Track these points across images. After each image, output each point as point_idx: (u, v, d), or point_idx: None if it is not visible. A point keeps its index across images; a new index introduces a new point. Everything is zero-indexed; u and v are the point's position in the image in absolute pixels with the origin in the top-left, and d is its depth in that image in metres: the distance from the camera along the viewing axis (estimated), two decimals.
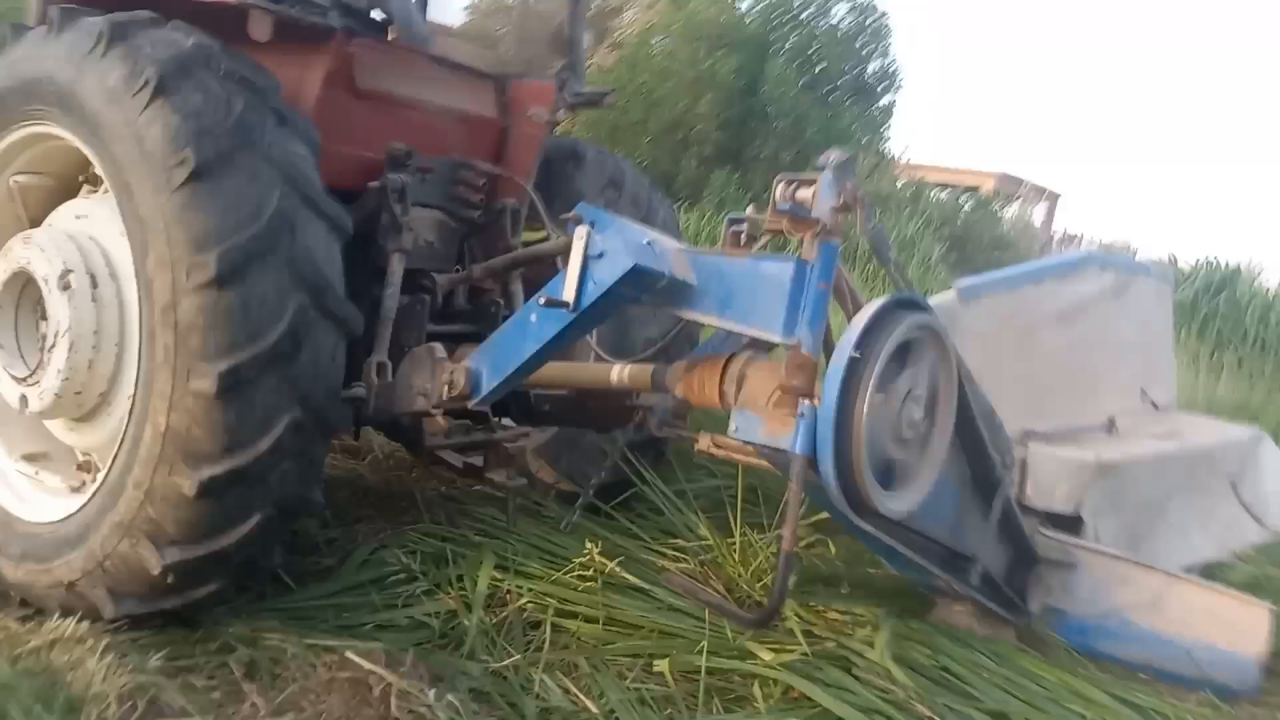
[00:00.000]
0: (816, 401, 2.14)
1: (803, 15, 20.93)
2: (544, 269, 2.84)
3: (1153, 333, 4.39)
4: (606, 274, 2.34)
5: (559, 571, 3.01)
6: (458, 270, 3.30)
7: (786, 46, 20.62)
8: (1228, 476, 4.03)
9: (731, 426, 2.30)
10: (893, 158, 22.14)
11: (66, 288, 2.49)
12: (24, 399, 2.63)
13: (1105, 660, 2.98)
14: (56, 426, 2.74)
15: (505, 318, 3.04)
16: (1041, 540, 3.06)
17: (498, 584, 2.94)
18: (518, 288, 3.30)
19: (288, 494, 2.40)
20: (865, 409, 2.09)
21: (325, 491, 2.66)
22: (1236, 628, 2.88)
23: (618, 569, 2.99)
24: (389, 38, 3.24)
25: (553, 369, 2.81)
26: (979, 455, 2.68)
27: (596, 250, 2.36)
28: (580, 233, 2.38)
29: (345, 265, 2.53)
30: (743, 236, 2.47)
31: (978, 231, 20.58)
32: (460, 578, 2.96)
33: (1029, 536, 2.96)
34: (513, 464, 3.12)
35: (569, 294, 2.39)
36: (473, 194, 3.28)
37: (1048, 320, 3.80)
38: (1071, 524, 3.22)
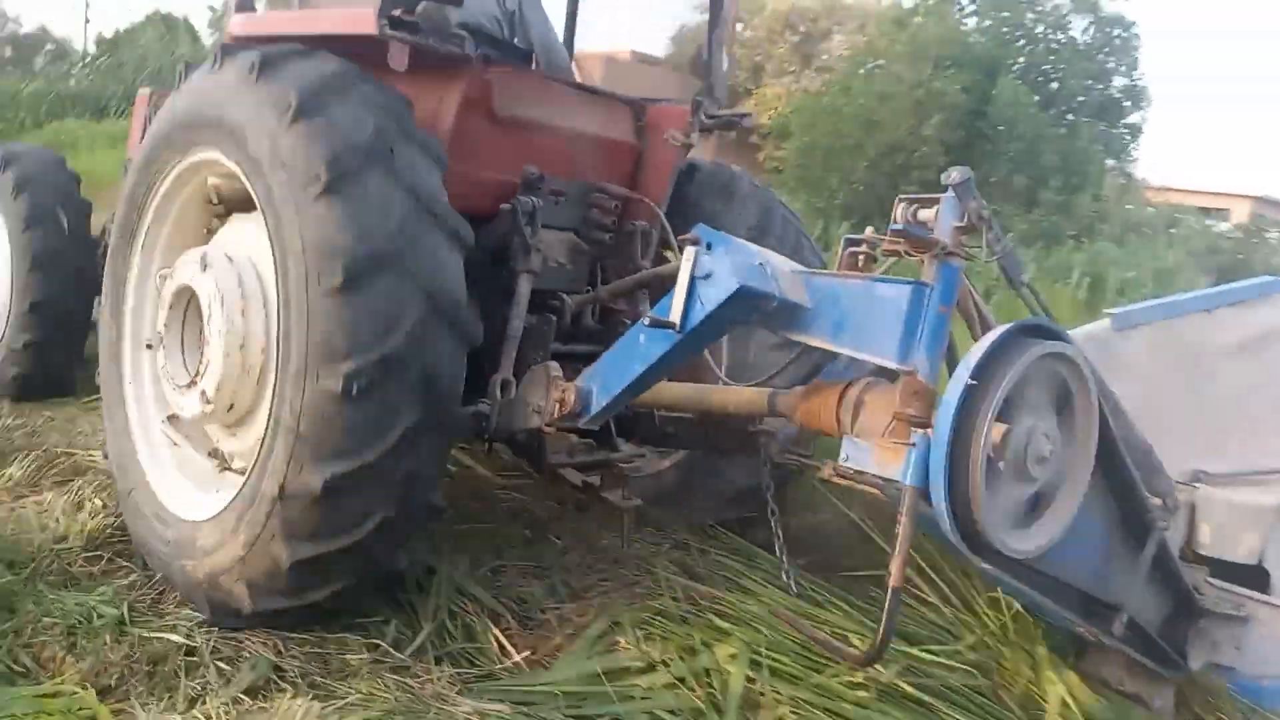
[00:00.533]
0: (931, 431, 2.01)
1: (1037, 30, 19.73)
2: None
3: None
4: (713, 295, 2.32)
5: (821, 674, 2.66)
6: (588, 291, 3.36)
7: (1019, 64, 19.53)
8: None
9: (842, 455, 2.21)
10: (1141, 181, 20.39)
11: (222, 303, 2.73)
12: (182, 405, 2.91)
13: None
14: (214, 431, 2.98)
15: None
16: (1210, 592, 2.83)
17: (750, 683, 2.59)
18: (646, 308, 3.24)
19: (407, 496, 2.51)
20: (982, 440, 1.96)
21: (560, 553, 2.97)
22: None
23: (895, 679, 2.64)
24: (532, 66, 3.39)
25: (673, 390, 2.81)
26: (1128, 495, 2.47)
27: (704, 271, 2.33)
28: (689, 253, 2.35)
29: (477, 285, 2.66)
30: (860, 258, 2.37)
31: (1249, 261, 18.44)
32: (708, 671, 2.63)
33: (1191, 586, 2.75)
34: (625, 485, 3.11)
35: (675, 315, 2.37)
36: (604, 216, 3.39)
37: (1226, 352, 3.51)
38: (1252, 575, 2.94)
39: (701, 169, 3.86)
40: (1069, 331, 2.49)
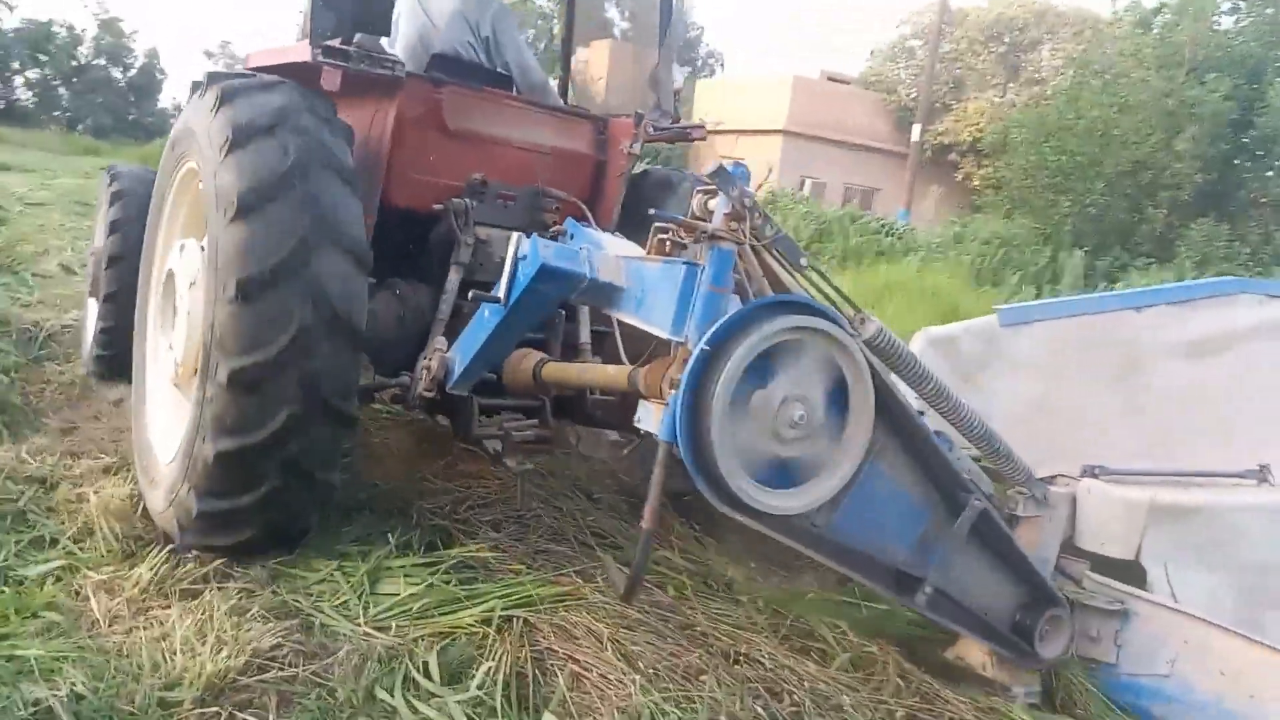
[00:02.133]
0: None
1: None
2: None
3: None
4: (526, 273, 2.67)
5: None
6: None
7: None
8: None
9: (635, 417, 2.43)
10: None
11: (189, 286, 3.20)
12: (167, 371, 3.40)
13: None
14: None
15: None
16: (1090, 585, 2.86)
17: None
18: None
19: (297, 472, 2.86)
20: (716, 403, 2.12)
21: None
22: None
23: None
24: (511, 88, 4.00)
25: (557, 371, 3.09)
26: (939, 476, 2.52)
27: (523, 253, 2.68)
28: (514, 239, 2.73)
29: (422, 274, 3.42)
30: (668, 243, 2.52)
31: None
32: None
33: (1044, 577, 2.73)
34: (520, 452, 3.33)
35: (501, 291, 2.79)
36: (548, 218, 3.66)
37: (1168, 351, 3.56)
38: (1130, 571, 2.94)
39: (652, 174, 4.34)
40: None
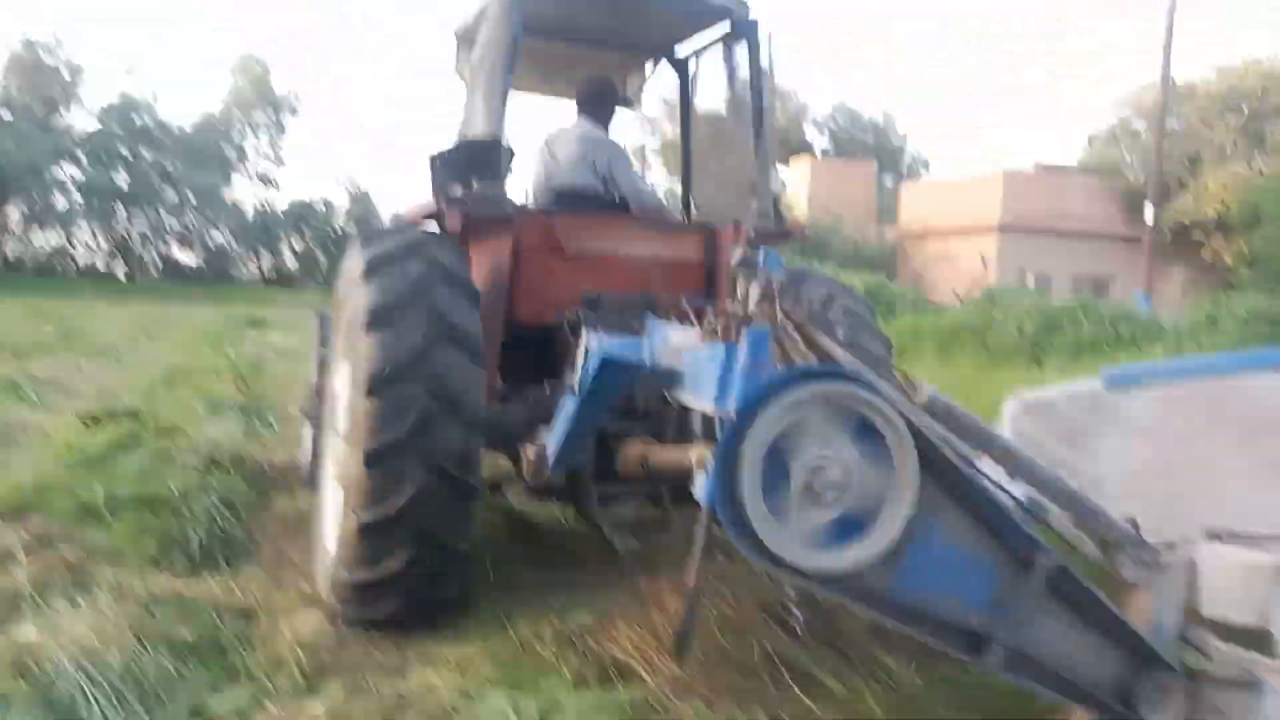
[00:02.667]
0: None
1: None
2: None
3: None
4: (591, 366, 3.11)
5: None
6: None
7: None
8: None
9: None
10: None
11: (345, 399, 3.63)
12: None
13: None
14: None
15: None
16: (1217, 655, 2.63)
17: None
18: None
19: (431, 541, 3.26)
20: (746, 469, 2.17)
21: None
22: None
23: None
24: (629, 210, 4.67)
25: (663, 452, 3.32)
26: (1008, 535, 2.39)
27: (590, 347, 3.15)
28: (583, 335, 3.25)
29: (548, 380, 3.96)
30: (719, 327, 2.64)
31: None
32: None
33: (1142, 638, 2.52)
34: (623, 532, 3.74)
35: (574, 382, 3.23)
36: None
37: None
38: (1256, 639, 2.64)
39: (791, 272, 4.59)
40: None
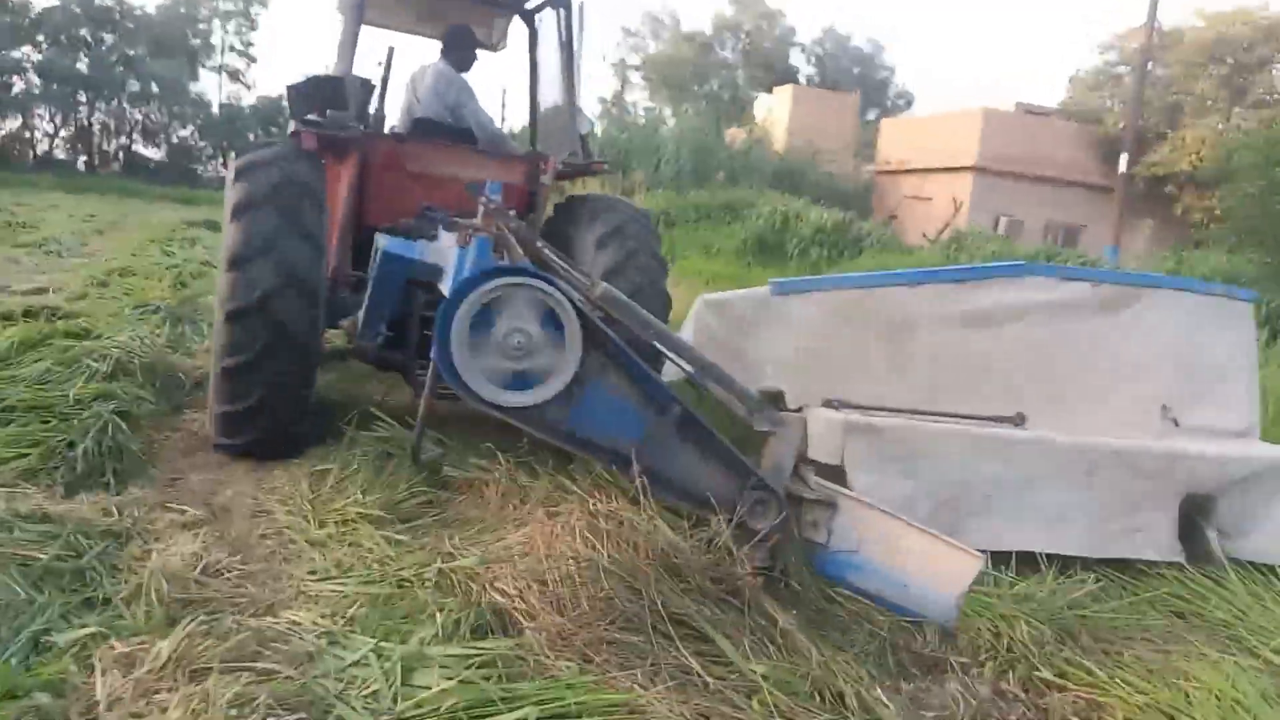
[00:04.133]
0: None
1: None
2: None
3: (1198, 354, 4.58)
4: (378, 258, 4.34)
5: None
6: None
7: None
8: (1177, 490, 4.03)
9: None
10: None
11: None
12: None
13: (849, 590, 3.36)
14: None
15: None
16: (814, 484, 3.43)
17: None
18: None
19: (278, 387, 4.20)
20: (454, 335, 3.00)
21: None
22: (948, 570, 3.18)
23: None
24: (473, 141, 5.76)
25: None
26: (653, 392, 3.24)
27: (377, 245, 4.39)
28: (376, 237, 4.58)
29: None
30: (468, 233, 3.51)
31: None
32: None
33: (749, 466, 3.31)
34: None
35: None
36: None
37: (936, 320, 4.37)
38: (837, 474, 3.66)
39: (585, 197, 5.84)
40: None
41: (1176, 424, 4.46)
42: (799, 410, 3.74)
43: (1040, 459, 3.87)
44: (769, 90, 37.78)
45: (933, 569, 3.19)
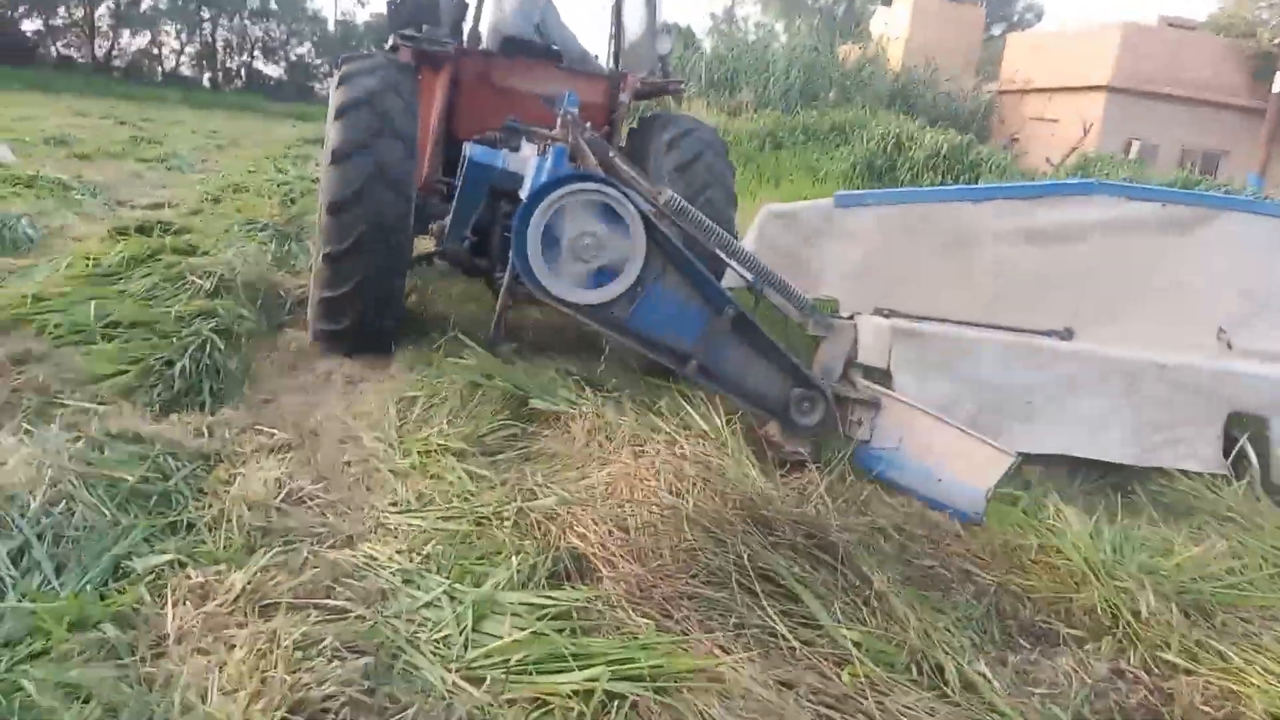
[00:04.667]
0: None
1: None
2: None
3: (1265, 279, 4.52)
4: (465, 166, 4.44)
5: None
6: None
7: None
8: (1223, 407, 4.03)
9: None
10: None
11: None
12: None
13: (889, 484, 3.55)
14: None
15: None
16: (860, 385, 3.69)
17: None
18: None
19: (372, 270, 4.50)
20: (530, 235, 3.18)
21: None
22: (980, 465, 3.37)
23: None
24: (557, 59, 5.85)
25: None
26: (711, 294, 3.44)
27: (465, 154, 4.45)
28: (465, 146, 4.50)
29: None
30: (545, 143, 4.10)
31: None
32: None
33: (801, 367, 3.58)
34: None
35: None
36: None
37: (997, 235, 4.48)
38: (883, 377, 3.82)
39: (667, 118, 5.72)
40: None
41: (1230, 346, 4.48)
42: (851, 318, 3.94)
43: (1080, 369, 3.97)
44: (887, 4, 35.90)
45: (965, 464, 3.38)
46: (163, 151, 14.86)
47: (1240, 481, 3.84)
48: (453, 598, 2.45)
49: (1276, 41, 24.07)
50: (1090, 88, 24.62)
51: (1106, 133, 23.89)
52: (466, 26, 5.60)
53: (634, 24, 6.24)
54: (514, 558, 2.60)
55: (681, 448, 3.10)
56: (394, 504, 3.09)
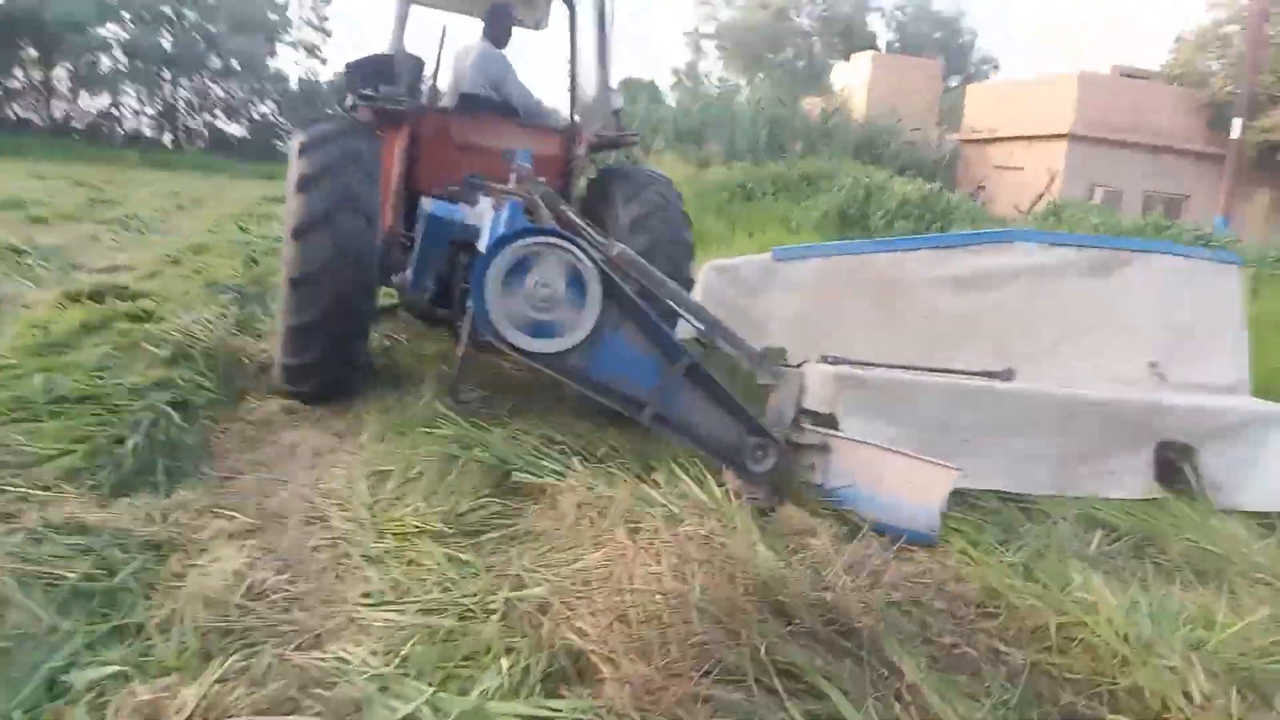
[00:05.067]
0: None
1: None
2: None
3: (1185, 315, 4.88)
4: (423, 220, 4.47)
5: None
6: None
7: None
8: (1155, 437, 4.28)
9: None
10: None
11: None
12: None
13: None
14: None
15: None
16: (808, 430, 3.86)
17: None
18: None
19: (334, 340, 4.61)
20: (489, 283, 3.32)
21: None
22: (927, 484, 3.54)
23: None
24: (515, 114, 5.97)
25: None
26: (666, 344, 3.56)
27: (423, 209, 4.48)
28: (423, 201, 4.59)
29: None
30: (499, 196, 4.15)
31: None
32: None
33: (750, 415, 3.68)
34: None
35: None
36: None
37: (928, 282, 4.81)
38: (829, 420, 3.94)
39: (623, 171, 5.81)
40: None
41: (1164, 379, 4.76)
42: (799, 365, 4.07)
43: (1014, 408, 4.16)
44: (846, 58, 36.55)
45: (915, 485, 3.55)
46: (122, 213, 14.53)
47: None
48: (436, 709, 2.17)
49: (1227, 89, 24.62)
50: (1052, 136, 25.03)
51: (1069, 179, 24.22)
52: (425, 84, 5.78)
53: (587, 81, 6.42)
54: (503, 659, 2.33)
55: (683, 526, 2.84)
56: (367, 595, 2.80)
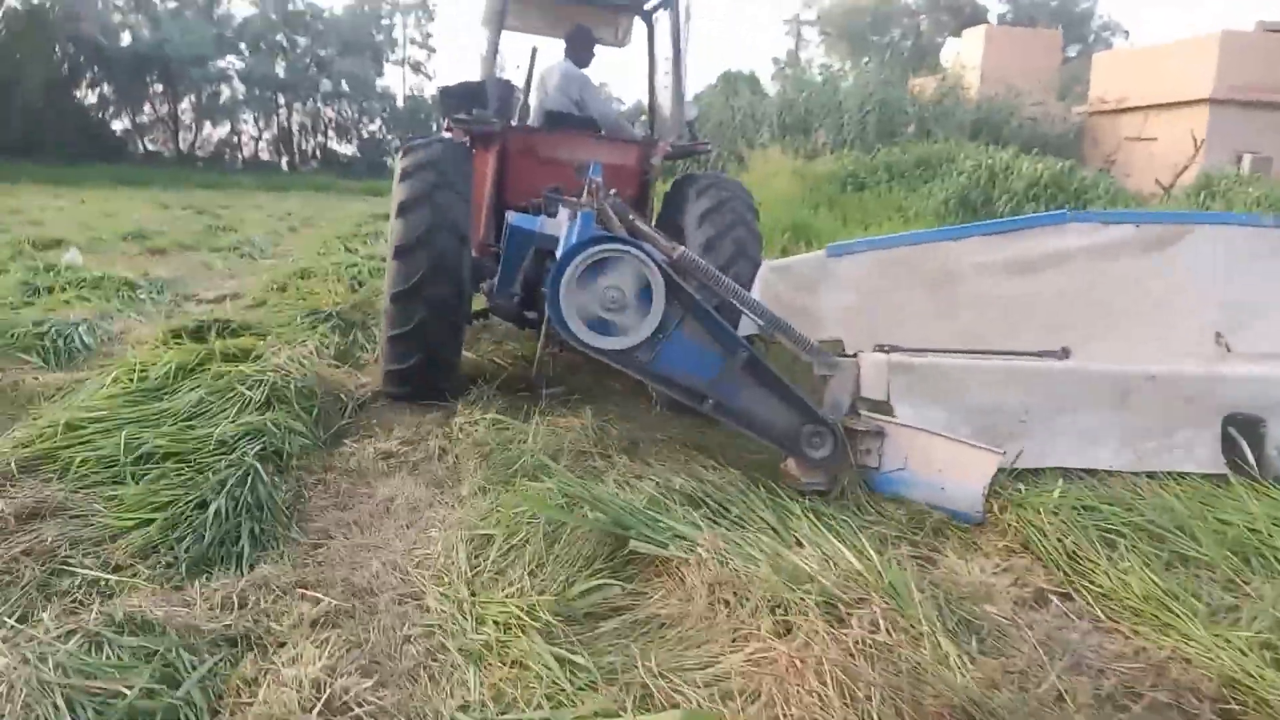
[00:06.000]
0: None
1: None
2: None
3: (1246, 285, 4.72)
4: (506, 230, 5.05)
5: None
6: None
7: None
8: (1221, 410, 4.17)
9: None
10: None
11: None
12: None
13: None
14: None
15: None
16: (864, 417, 3.97)
17: None
18: None
19: (430, 349, 5.13)
20: (564, 287, 3.62)
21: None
22: (973, 467, 3.66)
23: None
24: (598, 130, 6.54)
25: None
26: (725, 339, 3.80)
27: (507, 221, 5.11)
28: (508, 215, 5.28)
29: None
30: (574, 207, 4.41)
31: None
32: None
33: (808, 403, 3.86)
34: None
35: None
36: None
37: (978, 269, 4.79)
38: (884, 408, 4.03)
39: (696, 176, 6.05)
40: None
41: (1229, 350, 4.66)
42: (854, 355, 4.16)
43: (1070, 386, 4.17)
44: (956, 34, 34.95)
45: (961, 468, 3.68)
46: (236, 239, 14.78)
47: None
48: None
49: None
50: (1191, 102, 23.19)
51: (1211, 147, 22.38)
52: (516, 105, 6.43)
53: (663, 94, 6.82)
54: None
55: (842, 621, 2.29)
56: (464, 708, 2.35)
